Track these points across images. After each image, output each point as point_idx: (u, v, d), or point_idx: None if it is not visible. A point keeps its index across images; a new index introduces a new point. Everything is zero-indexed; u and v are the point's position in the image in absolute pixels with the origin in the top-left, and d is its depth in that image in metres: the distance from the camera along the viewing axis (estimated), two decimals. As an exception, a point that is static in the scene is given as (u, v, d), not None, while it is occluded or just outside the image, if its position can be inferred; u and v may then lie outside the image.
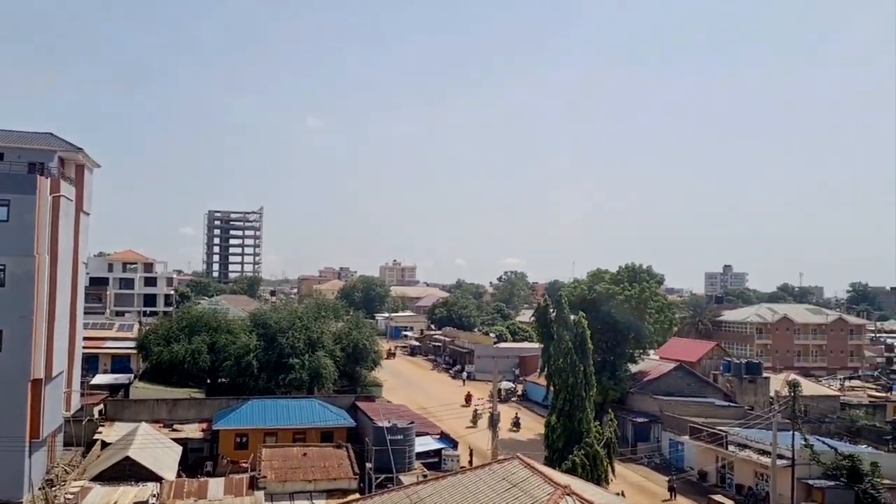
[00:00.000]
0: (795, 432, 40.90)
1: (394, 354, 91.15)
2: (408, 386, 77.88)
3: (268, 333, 54.09)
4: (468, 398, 69.85)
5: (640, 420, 56.44)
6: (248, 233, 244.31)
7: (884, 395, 70.79)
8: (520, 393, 77.59)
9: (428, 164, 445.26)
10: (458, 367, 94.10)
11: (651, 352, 69.79)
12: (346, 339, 58.36)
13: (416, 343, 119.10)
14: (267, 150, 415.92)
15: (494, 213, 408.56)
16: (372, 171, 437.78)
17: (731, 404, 57.95)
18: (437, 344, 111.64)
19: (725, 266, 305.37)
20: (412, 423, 40.48)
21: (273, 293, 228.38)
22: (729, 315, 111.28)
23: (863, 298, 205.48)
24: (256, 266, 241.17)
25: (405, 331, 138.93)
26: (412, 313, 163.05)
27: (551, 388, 44.51)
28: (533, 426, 62.12)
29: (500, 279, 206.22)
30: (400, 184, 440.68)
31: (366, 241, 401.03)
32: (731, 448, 46.03)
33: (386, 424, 38.62)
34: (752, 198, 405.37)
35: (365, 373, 61.53)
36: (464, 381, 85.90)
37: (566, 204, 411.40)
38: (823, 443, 44.31)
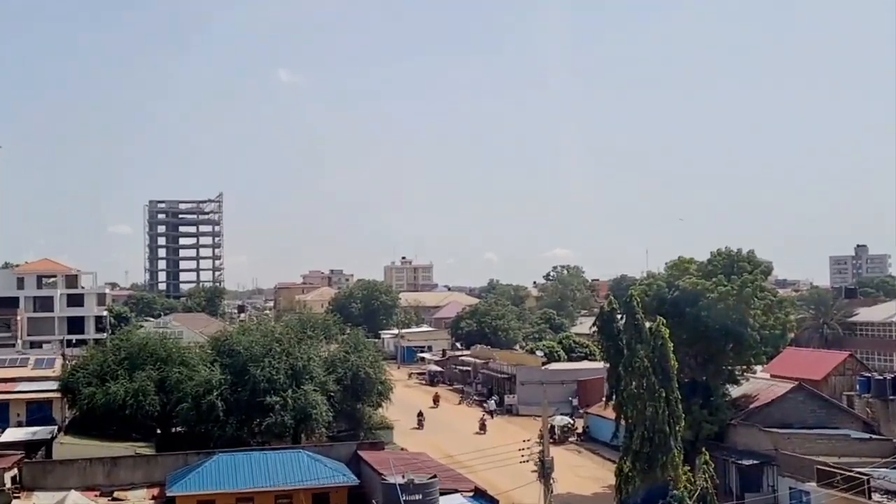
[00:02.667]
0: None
1: (437, 401, 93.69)
2: (428, 427, 78.17)
3: (236, 363, 54.52)
4: (436, 399, 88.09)
5: (747, 462, 56.17)
6: (203, 229, 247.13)
7: None
8: (580, 430, 77.59)
9: (443, 131, 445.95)
10: (495, 398, 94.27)
11: (758, 368, 69.25)
12: (343, 367, 58.72)
13: (437, 368, 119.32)
14: (225, 114, 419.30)
15: (533, 190, 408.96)
16: (369, 143, 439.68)
17: (875, 436, 57.47)
18: (465, 368, 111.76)
19: (859, 247, 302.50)
20: (434, 477, 40.61)
21: (241, 308, 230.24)
22: (866, 313, 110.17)
23: None
24: (217, 273, 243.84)
25: (421, 352, 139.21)
26: (430, 328, 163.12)
27: (622, 423, 44.44)
28: (600, 474, 61.95)
29: (547, 277, 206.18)
30: (407, 158, 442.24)
31: (364, 233, 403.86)
32: (876, 496, 45.67)
33: (400, 481, 38.76)
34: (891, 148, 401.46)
35: (369, 411, 61.89)
36: (489, 413, 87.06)
37: (630, 173, 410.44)
38: None
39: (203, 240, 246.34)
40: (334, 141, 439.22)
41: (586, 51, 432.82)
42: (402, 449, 59.95)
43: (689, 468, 42.46)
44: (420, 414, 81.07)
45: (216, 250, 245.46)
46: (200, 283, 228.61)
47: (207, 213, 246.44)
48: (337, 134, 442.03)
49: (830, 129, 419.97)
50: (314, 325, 64.28)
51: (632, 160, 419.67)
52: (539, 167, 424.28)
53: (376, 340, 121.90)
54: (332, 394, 56.44)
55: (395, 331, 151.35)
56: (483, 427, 78.52)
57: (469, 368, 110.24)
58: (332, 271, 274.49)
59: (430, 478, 40.16)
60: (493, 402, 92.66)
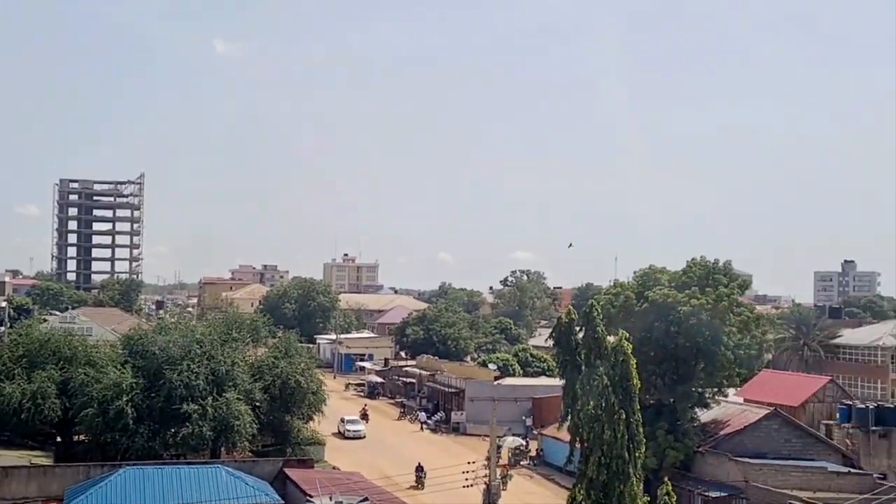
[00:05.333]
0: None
1: (366, 416, 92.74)
2: (364, 444, 78.14)
3: (150, 366, 54.11)
4: (364, 413, 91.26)
5: (714, 494, 56.81)
6: (121, 213, 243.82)
7: None
8: (534, 453, 77.73)
9: (396, 110, 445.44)
10: (440, 414, 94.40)
11: (731, 391, 70.12)
12: (271, 374, 58.51)
13: (378, 379, 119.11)
14: (151, 86, 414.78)
15: (493, 186, 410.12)
16: (310, 124, 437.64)
17: (854, 470, 58.45)
18: (409, 380, 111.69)
19: (846, 263, 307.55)
20: (366, 500, 40.68)
21: (160, 304, 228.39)
22: (850, 336, 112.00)
23: None
24: (135, 264, 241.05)
25: (361, 360, 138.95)
26: (372, 334, 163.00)
27: (578, 447, 44.63)
28: (553, 502, 62.17)
29: (505, 282, 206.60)
30: (353, 143, 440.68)
31: (303, 226, 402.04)
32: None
33: (327, 502, 38.77)
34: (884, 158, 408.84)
35: (299, 424, 61.70)
36: (422, 426, 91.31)
37: (603, 171, 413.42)
38: None
39: (120, 226, 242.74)
40: (272, 121, 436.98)
41: (530, 48, 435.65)
42: (333, 468, 59.87)
43: (648, 499, 42.77)
44: (419, 469, 64.10)
45: (134, 238, 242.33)
46: (115, 275, 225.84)
47: (126, 196, 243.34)
48: (275, 113, 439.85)
49: (820, 134, 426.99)
50: (241, 326, 63.79)
51: (603, 161, 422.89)
52: (500, 161, 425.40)
53: (311, 346, 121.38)
54: (257, 404, 56.19)
55: (333, 336, 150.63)
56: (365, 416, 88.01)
57: (413, 381, 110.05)
58: (264, 267, 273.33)
59: (362, 500, 40.24)
60: (424, 414, 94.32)
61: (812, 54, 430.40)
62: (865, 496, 52.01)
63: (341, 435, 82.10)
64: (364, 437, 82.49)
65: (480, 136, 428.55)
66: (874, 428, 61.77)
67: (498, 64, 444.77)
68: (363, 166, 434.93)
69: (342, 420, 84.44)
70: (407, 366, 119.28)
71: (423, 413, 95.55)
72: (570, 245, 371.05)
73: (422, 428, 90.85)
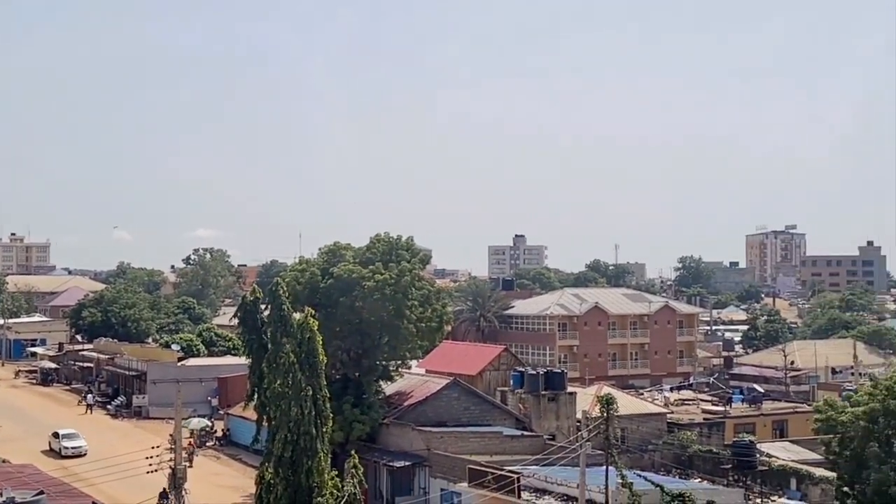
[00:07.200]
0: (610, 467, 44.47)
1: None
2: (38, 434, 73.84)
3: None
4: None
5: (398, 464, 58.17)
6: None
7: (721, 409, 79.28)
8: (220, 434, 77.30)
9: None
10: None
11: (414, 363, 72.15)
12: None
13: (52, 365, 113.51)
14: None
15: (176, 160, 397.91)
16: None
17: (526, 433, 61.65)
18: (86, 365, 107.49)
19: (517, 237, 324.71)
20: (42, 493, 38.49)
21: None
22: (522, 306, 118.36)
23: (695, 278, 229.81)
24: None
25: (33, 345, 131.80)
26: (44, 318, 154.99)
27: (265, 425, 44.45)
28: (241, 483, 61.79)
29: (187, 261, 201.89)
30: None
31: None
32: (525, 495, 49.01)
33: (-2, 499, 36.35)
34: (553, 139, 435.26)
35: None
36: (89, 407, 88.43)
37: (279, 147, 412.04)
38: (646, 479, 48.64)
39: None
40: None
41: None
42: (3, 461, 56.44)
43: (337, 473, 43.24)
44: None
45: None
46: None
47: None
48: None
49: (484, 117, 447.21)
50: None
51: (278, 136, 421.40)
52: (177, 127, 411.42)
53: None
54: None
55: (0, 321, 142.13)
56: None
57: (91, 365, 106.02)
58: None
59: (37, 494, 38.02)
60: (91, 396, 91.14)
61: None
62: (537, 456, 54.91)
63: (56, 454, 69.01)
64: (86, 453, 67.01)
65: (145, 106, 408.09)
66: (543, 392, 65.40)
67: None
68: (19, 133, 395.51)
69: (55, 435, 71.15)
70: (84, 350, 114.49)
71: (90, 395, 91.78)
72: (116, 227, 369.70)
73: (89, 410, 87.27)
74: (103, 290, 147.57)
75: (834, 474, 53.00)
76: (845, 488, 49.35)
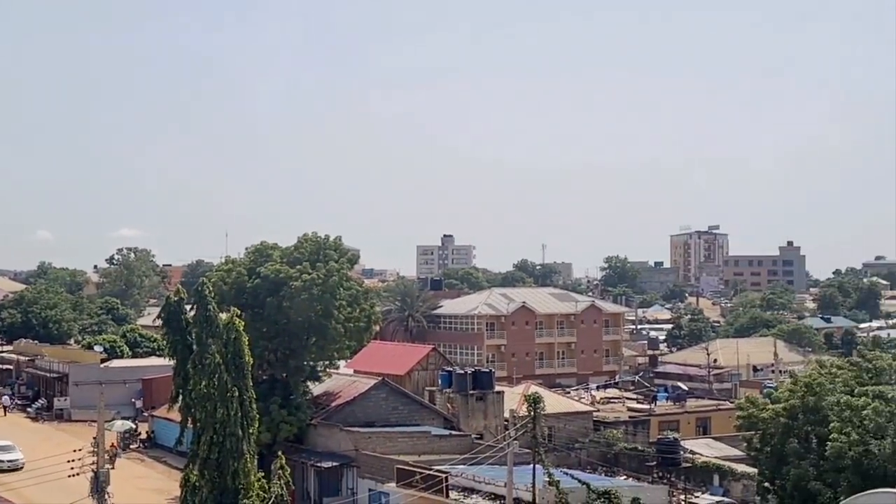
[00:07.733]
0: (537, 466, 44.82)
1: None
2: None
3: None
4: None
5: (326, 465, 57.98)
6: None
7: (646, 407, 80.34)
8: (144, 436, 76.55)
9: None
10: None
11: (342, 363, 71.86)
12: None
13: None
14: None
15: (97, 154, 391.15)
16: None
17: (454, 432, 61.83)
18: (6, 367, 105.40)
19: (445, 237, 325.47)
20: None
21: None
22: (450, 306, 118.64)
23: (621, 278, 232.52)
24: None
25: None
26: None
27: (190, 427, 43.98)
28: (165, 485, 60.97)
29: (111, 261, 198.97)
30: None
31: None
32: (453, 494, 49.16)
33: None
34: (481, 140, 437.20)
35: None
36: (4, 409, 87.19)
37: (201, 148, 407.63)
38: (572, 477, 49.05)
39: None
40: None
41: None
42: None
43: (263, 474, 42.95)
44: None
45: None
46: None
47: None
48: None
49: (426, 114, 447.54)
50: None
51: (202, 140, 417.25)
52: (100, 124, 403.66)
53: None
54: None
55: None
56: None
57: (11, 367, 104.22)
58: None
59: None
60: (7, 398, 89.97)
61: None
62: (465, 456, 55.16)
63: None
64: (22, 467, 63.05)
65: (69, 105, 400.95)
66: (471, 392, 65.68)
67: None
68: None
69: None
70: (3, 352, 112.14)
71: (7, 397, 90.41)
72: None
73: (4, 412, 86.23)
74: (23, 291, 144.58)
75: (755, 470, 53.79)
76: (766, 484, 50.17)
